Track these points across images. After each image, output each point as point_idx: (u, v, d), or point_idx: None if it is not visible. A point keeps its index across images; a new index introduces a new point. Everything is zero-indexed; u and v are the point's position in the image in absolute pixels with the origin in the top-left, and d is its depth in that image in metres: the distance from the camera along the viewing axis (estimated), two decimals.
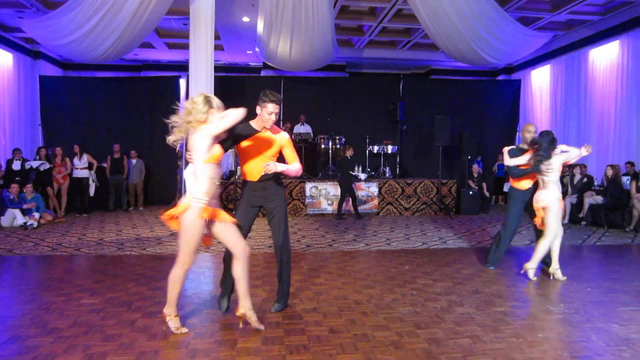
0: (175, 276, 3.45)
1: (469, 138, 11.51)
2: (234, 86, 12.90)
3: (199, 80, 8.09)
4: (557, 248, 5.09)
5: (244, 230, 3.90)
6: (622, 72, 10.56)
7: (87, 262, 5.92)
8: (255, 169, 3.82)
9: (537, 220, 5.13)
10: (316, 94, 13.12)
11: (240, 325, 3.57)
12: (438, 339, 3.42)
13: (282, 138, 3.89)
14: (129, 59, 14.19)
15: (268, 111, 3.66)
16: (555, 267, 5.11)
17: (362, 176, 10.87)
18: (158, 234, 7.87)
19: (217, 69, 10.94)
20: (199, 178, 3.37)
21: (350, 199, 10.09)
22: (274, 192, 3.94)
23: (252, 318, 3.53)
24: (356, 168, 10.97)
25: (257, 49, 11.40)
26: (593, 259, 6.28)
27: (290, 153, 3.94)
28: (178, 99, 12.75)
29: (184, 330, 3.48)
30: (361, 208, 10.38)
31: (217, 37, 11.69)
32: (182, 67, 13.01)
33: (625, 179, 9.22)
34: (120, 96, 12.51)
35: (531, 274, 5.09)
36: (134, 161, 11.38)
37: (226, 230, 3.52)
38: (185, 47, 8.42)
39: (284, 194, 4.05)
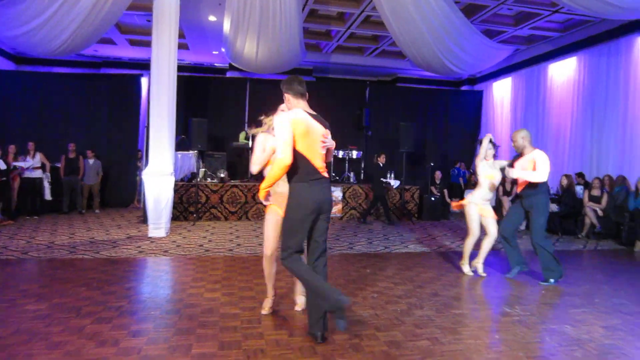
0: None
1: (432, 145, 11.67)
2: (199, 87, 12.68)
3: (161, 80, 7.85)
4: (488, 247, 5.55)
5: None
6: (578, 88, 10.93)
7: (35, 266, 5.62)
8: None
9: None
10: (281, 97, 13.01)
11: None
12: (397, 342, 3.40)
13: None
14: (88, 54, 13.72)
15: None
16: (479, 261, 5.60)
17: (394, 183, 10.68)
18: (114, 237, 7.60)
19: (181, 68, 10.70)
20: None
21: (382, 207, 10.15)
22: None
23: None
24: (388, 175, 10.74)
25: (223, 50, 11.24)
26: None
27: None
28: (139, 98, 12.45)
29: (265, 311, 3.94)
30: None
31: (181, 36, 11.44)
32: (145, 66, 12.66)
33: (579, 189, 9.54)
34: (78, 93, 12.05)
35: (479, 268, 5.59)
36: (90, 161, 10.98)
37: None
38: (149, 44, 8.16)
39: (288, 199, 3.45)
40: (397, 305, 4.25)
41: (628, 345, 3.44)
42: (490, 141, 5.54)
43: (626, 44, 9.67)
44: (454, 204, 5.70)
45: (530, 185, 5.28)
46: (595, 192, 8.92)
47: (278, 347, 3.25)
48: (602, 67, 10.24)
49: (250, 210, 10.07)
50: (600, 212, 8.77)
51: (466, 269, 5.64)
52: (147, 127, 8.18)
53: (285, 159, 3.24)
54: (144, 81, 12.42)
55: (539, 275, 5.55)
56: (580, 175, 10.01)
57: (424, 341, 3.43)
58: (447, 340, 3.46)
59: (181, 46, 11.62)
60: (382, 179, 10.18)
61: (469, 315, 4.10)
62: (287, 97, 3.54)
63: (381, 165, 10.16)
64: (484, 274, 5.53)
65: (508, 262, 5.64)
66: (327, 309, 3.22)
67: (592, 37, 10.39)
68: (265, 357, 3.09)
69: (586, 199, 8.98)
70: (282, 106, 3.70)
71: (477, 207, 5.51)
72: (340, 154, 11.73)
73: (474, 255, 5.68)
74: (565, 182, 9.38)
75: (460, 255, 6.28)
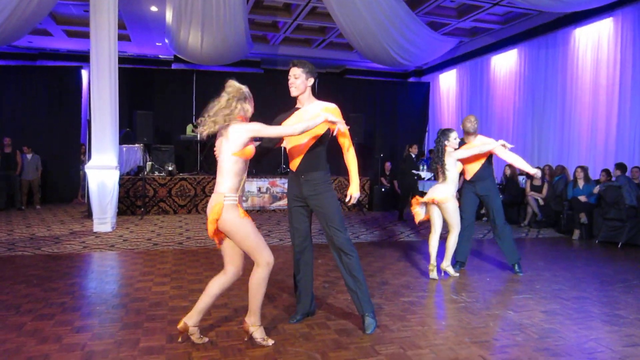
0: (259, 279, 3.08)
1: (381, 136, 11.83)
2: (143, 79, 12.31)
3: (102, 72, 7.54)
4: (437, 244, 5.07)
5: (300, 237, 3.54)
6: (519, 79, 11.38)
7: None
8: (293, 155, 3.41)
9: (415, 210, 5.07)
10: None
11: (180, 339, 3.14)
12: (348, 330, 3.44)
13: (324, 110, 3.33)
14: (22, 46, 13.00)
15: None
16: (446, 264, 5.15)
17: (426, 175, 9.97)
18: (56, 232, 7.28)
19: (124, 60, 10.33)
20: (225, 173, 3.06)
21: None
22: (313, 187, 3.38)
23: (195, 335, 3.13)
24: (420, 167, 9.94)
25: (166, 41, 10.94)
26: (492, 252, 6.67)
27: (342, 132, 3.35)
28: (80, 91, 11.98)
29: (271, 341, 3.12)
30: (276, 204, 10.32)
31: (122, 27, 11.05)
32: (84, 57, 12.17)
33: (522, 178, 9.94)
34: (13, 86, 11.48)
35: (451, 271, 5.15)
36: (28, 156, 10.46)
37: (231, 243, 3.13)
38: (87, 35, 7.82)
39: (325, 185, 3.42)
40: (348, 295, 4.27)
41: (565, 329, 3.62)
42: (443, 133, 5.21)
43: (563, 36, 10.13)
44: (418, 212, 5.05)
45: (483, 170, 5.29)
46: (537, 182, 9.31)
47: (229, 338, 3.23)
48: (541, 59, 10.69)
49: (200, 203, 9.90)
50: (541, 202, 9.17)
51: (450, 270, 5.16)
52: (89, 121, 7.87)
53: None
54: (84, 73, 11.96)
55: (483, 264, 5.76)
56: None
57: None
58: (396, 327, 3.53)
59: (123, 37, 11.24)
60: (413, 170, 9.59)
61: (417, 302, 4.20)
62: (312, 81, 3.44)
63: (413, 156, 9.69)
64: (457, 274, 5.18)
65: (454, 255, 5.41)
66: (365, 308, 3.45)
67: (531, 29, 10.81)
68: (214, 348, 3.05)
69: (528, 188, 9.37)
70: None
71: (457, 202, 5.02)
72: None
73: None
74: (508, 172, 9.76)
75: (412, 246, 6.43)
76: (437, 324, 3.68)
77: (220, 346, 3.09)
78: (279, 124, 3.48)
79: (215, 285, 3.13)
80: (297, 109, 3.50)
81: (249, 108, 3.13)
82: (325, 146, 3.46)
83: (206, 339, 3.17)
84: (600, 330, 3.65)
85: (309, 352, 3.03)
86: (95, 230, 7.40)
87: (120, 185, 8.50)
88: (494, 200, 5.33)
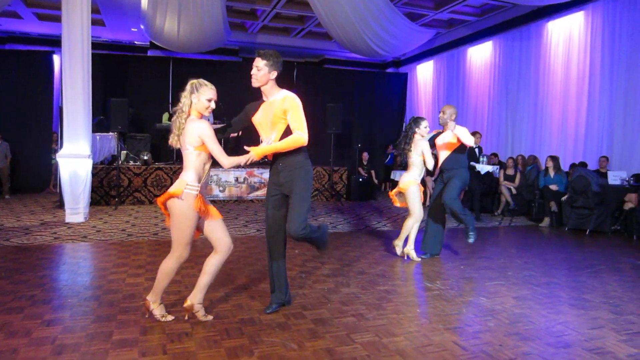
0: (168, 268, 3.27)
1: (359, 127, 11.84)
2: (118, 66, 12.07)
3: (74, 58, 7.34)
4: (415, 230, 5.38)
5: (273, 221, 3.52)
6: (494, 71, 11.52)
7: None
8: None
9: (393, 197, 5.46)
10: (208, 77, 12.54)
11: (186, 317, 3.37)
12: (324, 319, 3.46)
13: (282, 100, 3.31)
14: None
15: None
16: (409, 248, 5.40)
17: (483, 168, 8.90)
18: (26, 223, 7.11)
19: (97, 46, 10.08)
20: (189, 166, 3.18)
21: (472, 195, 8.86)
22: (290, 172, 3.38)
23: (200, 312, 3.38)
24: (481, 159, 9.07)
25: (142, 27, 10.71)
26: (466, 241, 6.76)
27: (292, 119, 3.29)
28: (52, 77, 11.66)
29: (170, 317, 3.33)
30: (254, 194, 10.27)
31: (96, 11, 10.75)
32: (57, 42, 11.85)
33: (496, 168, 10.08)
34: None
35: (413, 255, 5.39)
36: None
37: (214, 224, 3.31)
38: (59, 19, 7.59)
39: (301, 171, 3.38)
40: (325, 284, 4.32)
41: (535, 314, 3.71)
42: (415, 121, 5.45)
43: (536, 29, 10.27)
44: (394, 198, 5.43)
45: (452, 160, 5.31)
46: (510, 172, 9.48)
47: (204, 329, 3.21)
48: (515, 51, 10.84)
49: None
50: (514, 191, 9.34)
51: (399, 250, 5.48)
52: (61, 108, 7.68)
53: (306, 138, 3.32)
54: (56, 59, 11.64)
55: (457, 253, 5.86)
56: (495, 155, 10.60)
57: (349, 317, 3.51)
58: (372, 316, 3.56)
59: (97, 22, 10.95)
60: (472, 162, 8.43)
61: (393, 291, 4.25)
62: (275, 74, 3.37)
63: (474, 147, 8.70)
64: (419, 259, 5.39)
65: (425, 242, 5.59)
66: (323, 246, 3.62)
67: (506, 22, 10.94)
68: (190, 340, 3.03)
69: (501, 178, 9.52)
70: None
71: (419, 187, 5.28)
72: None
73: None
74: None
75: (388, 235, 6.47)
76: (412, 311, 3.72)
77: (196, 337, 3.07)
78: (249, 113, 3.52)
79: (212, 264, 3.32)
80: (264, 101, 3.47)
81: (197, 100, 3.21)
82: None
83: (210, 317, 3.39)
84: (568, 314, 3.76)
85: (285, 342, 3.04)
86: (67, 220, 7.24)
87: (94, 174, 8.34)
88: (453, 179, 5.22)
